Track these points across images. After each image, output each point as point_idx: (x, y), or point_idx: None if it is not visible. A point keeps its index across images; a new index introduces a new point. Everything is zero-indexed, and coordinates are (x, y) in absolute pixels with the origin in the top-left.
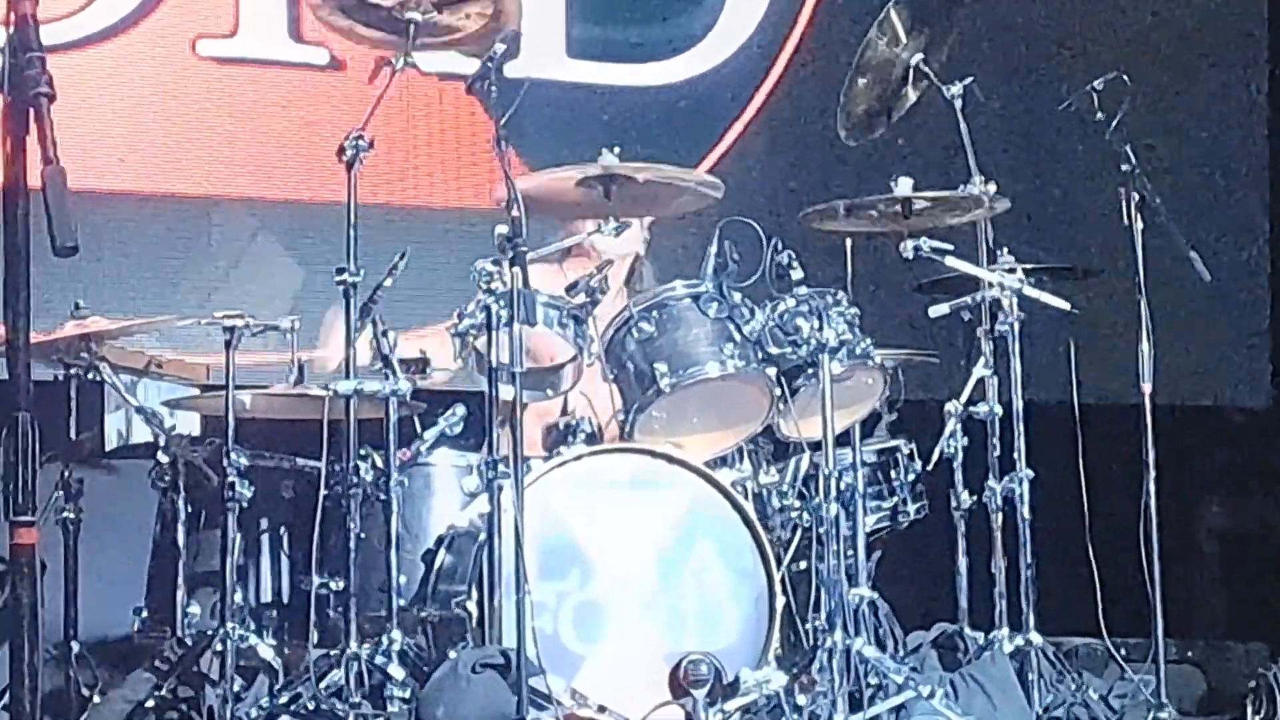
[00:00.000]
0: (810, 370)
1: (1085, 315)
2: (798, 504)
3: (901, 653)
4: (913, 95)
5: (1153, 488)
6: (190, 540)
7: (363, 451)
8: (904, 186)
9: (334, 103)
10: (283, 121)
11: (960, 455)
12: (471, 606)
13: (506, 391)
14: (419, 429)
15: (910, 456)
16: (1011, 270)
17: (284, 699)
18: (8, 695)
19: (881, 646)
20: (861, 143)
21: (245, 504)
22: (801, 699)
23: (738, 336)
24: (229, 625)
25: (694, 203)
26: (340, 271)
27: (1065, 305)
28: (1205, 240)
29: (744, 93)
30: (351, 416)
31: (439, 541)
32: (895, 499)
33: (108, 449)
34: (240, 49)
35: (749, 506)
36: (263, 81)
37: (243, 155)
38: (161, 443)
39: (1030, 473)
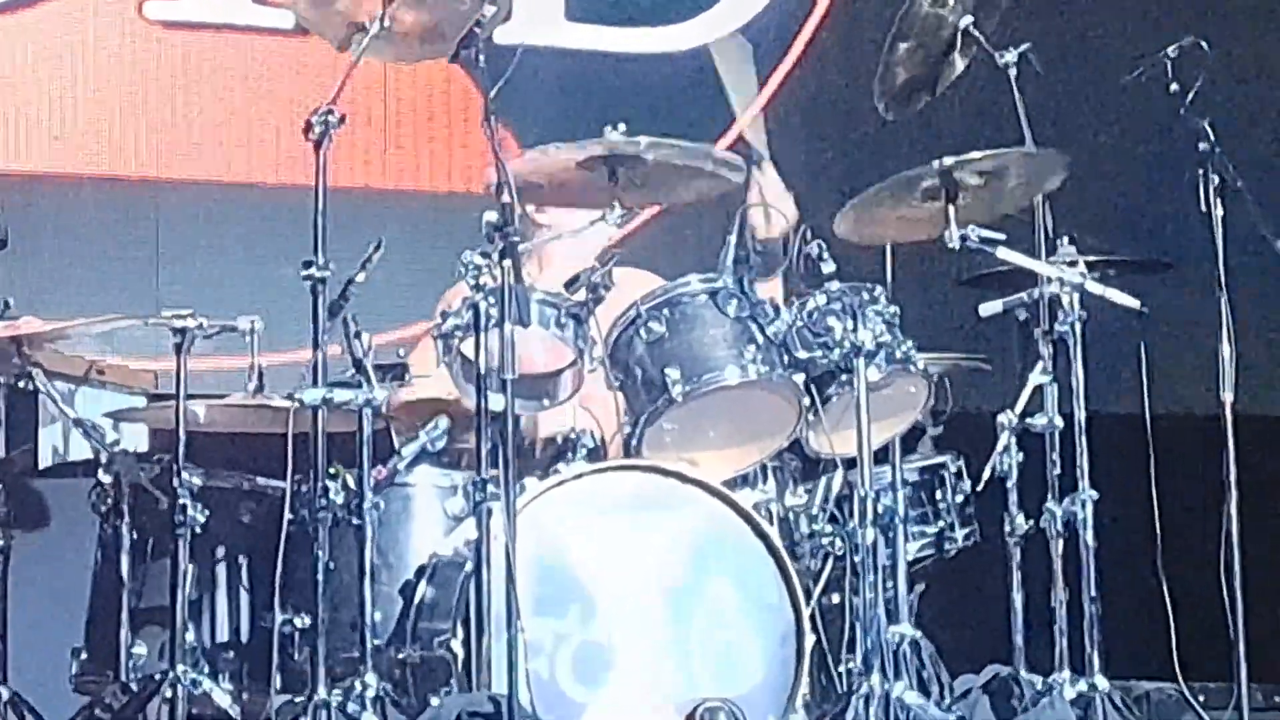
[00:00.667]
0: (843, 377)
1: (1158, 314)
2: (829, 529)
3: (948, 699)
4: (960, 64)
5: (1235, 511)
6: (136, 571)
7: (332, 470)
8: (944, 160)
9: (300, 73)
10: (242, 94)
11: (1015, 474)
12: (457, 647)
13: (497, 401)
14: (396, 444)
15: (958, 475)
16: (1073, 263)
17: None
18: None
19: (925, 692)
20: (900, 116)
21: (198, 530)
22: None
23: (760, 338)
24: (179, 668)
25: (712, 187)
26: (307, 265)
27: (1135, 303)
28: None
29: (768, 60)
30: (319, 430)
31: (419, 572)
32: (941, 523)
33: (41, 467)
34: (193, 11)
35: (773, 532)
36: (219, 48)
37: (196, 133)
38: (103, 460)
39: (1095, 493)
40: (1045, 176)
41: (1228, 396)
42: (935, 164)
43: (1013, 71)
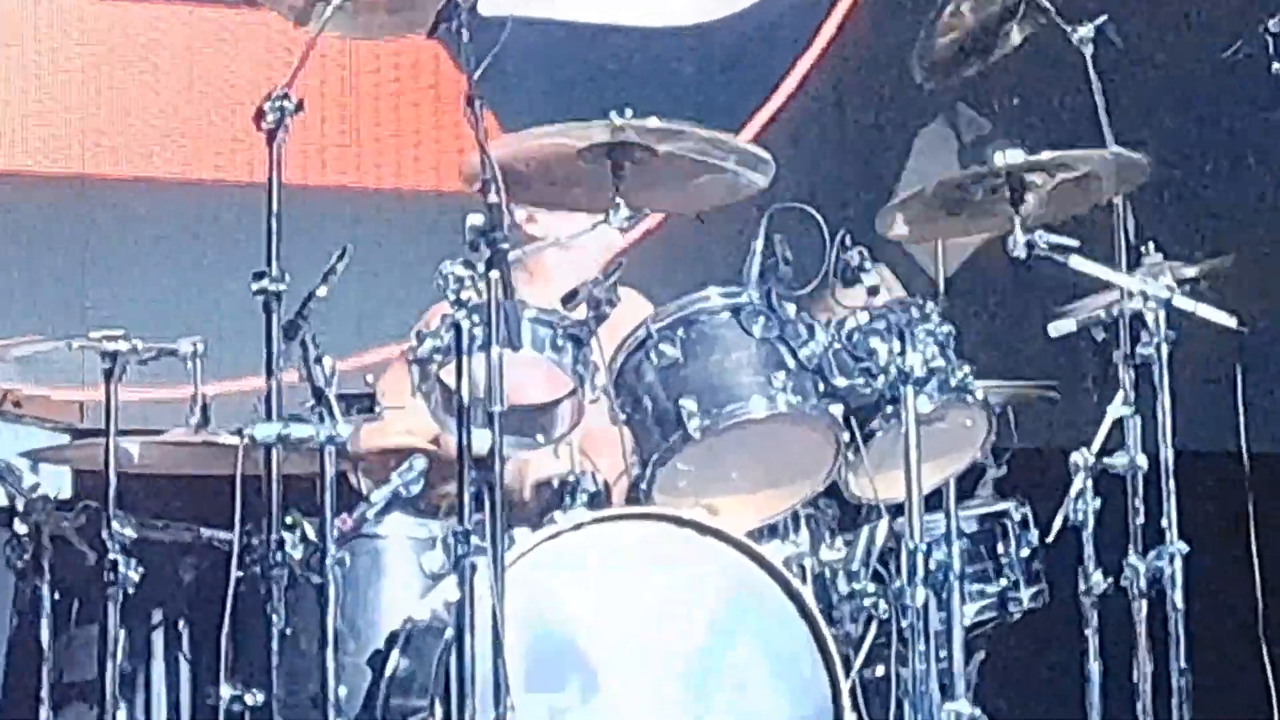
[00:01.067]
0: (889, 409)
1: (1258, 335)
2: (872, 589)
3: None
4: (1017, 35)
5: None
6: (58, 639)
7: (289, 519)
8: (1011, 158)
9: (251, 52)
10: (183, 77)
11: (1091, 523)
12: None
13: (482, 439)
14: (364, 489)
15: (1024, 524)
16: (1159, 274)
17: None
18: None
19: None
20: (940, 86)
21: (131, 590)
22: None
23: (792, 363)
24: None
25: (732, 188)
26: (259, 277)
27: (1231, 321)
28: None
29: (800, 36)
30: (274, 472)
31: (391, 640)
32: (1004, 582)
33: None
34: None
35: (807, 592)
36: (154, 23)
37: (128, 122)
38: (19, 508)
39: (1185, 546)
40: (1126, 177)
41: None
42: (999, 160)
43: (1088, 49)
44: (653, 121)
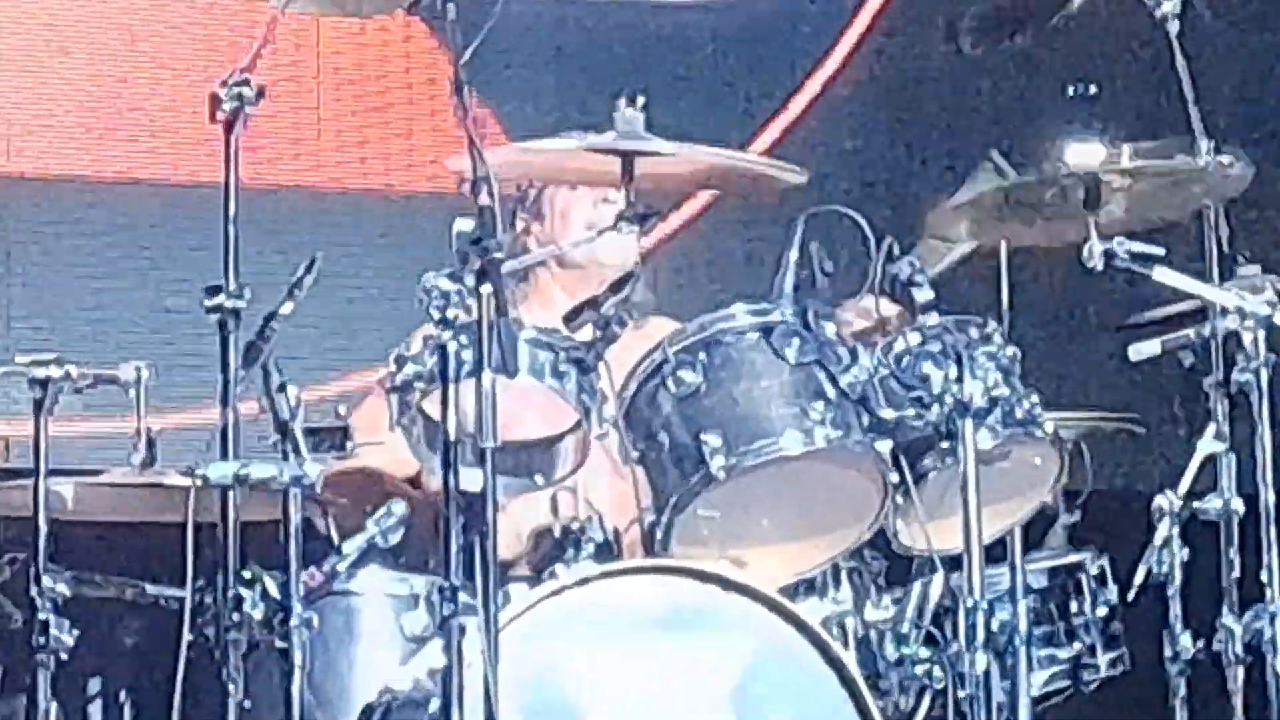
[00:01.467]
0: (944, 445)
1: None
2: (925, 654)
3: None
4: None
5: None
6: None
7: (248, 573)
8: (1084, 155)
9: (205, 30)
10: (126, 61)
11: (1179, 577)
12: None
13: (472, 479)
14: (335, 538)
15: (1100, 579)
16: (1257, 288)
17: None
18: None
19: None
20: (984, 48)
21: (65, 655)
22: None
23: (831, 392)
24: None
25: (761, 188)
26: (213, 292)
27: None
28: None
29: (837, 9)
30: (231, 519)
31: (366, 714)
32: (1077, 646)
33: None
34: None
35: (849, 658)
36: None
37: (60, 113)
38: None
39: None
40: (1223, 186)
41: None
42: (1070, 157)
43: (1173, 25)
44: (662, 144)
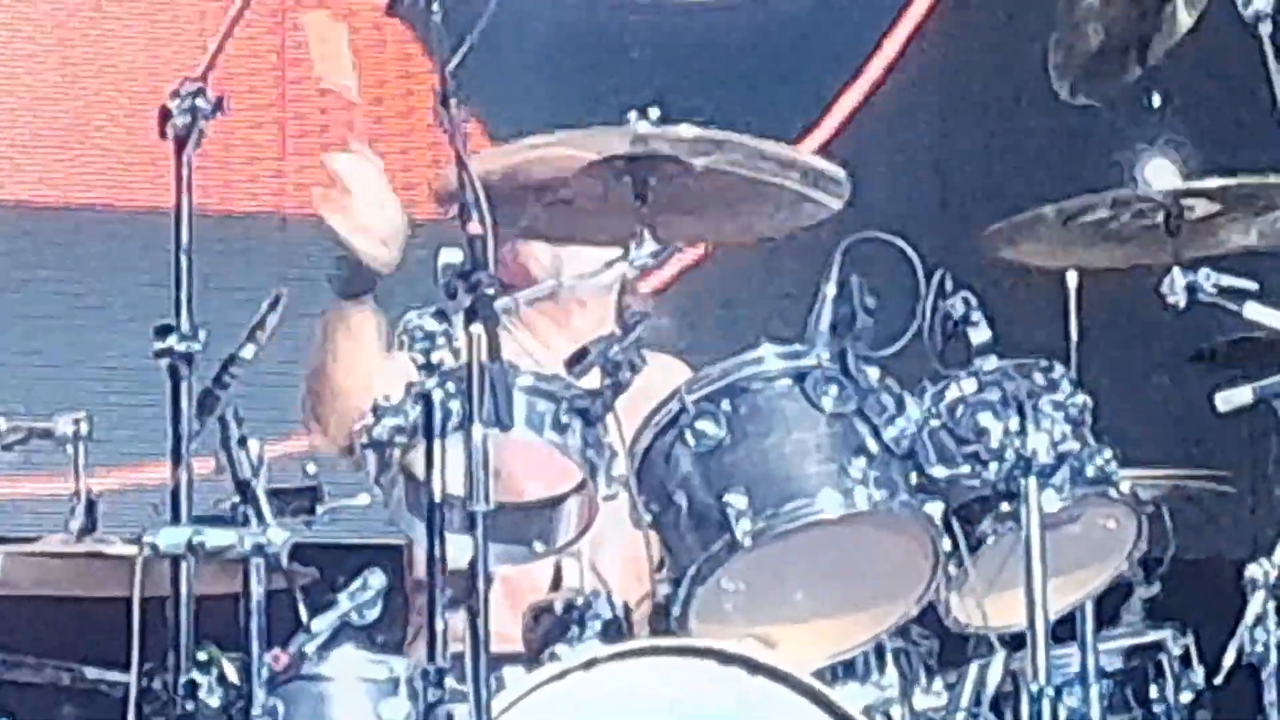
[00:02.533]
0: (1004, 507)
1: None
2: None
3: None
4: (1186, 17)
5: None
6: None
7: (203, 655)
8: (1162, 173)
9: (156, 35)
10: (63, 70)
11: (1275, 657)
12: None
13: (461, 548)
14: (304, 613)
15: (1184, 660)
16: None
17: None
18: None
19: None
20: (1096, 98)
21: None
22: None
23: (874, 446)
24: None
25: (793, 213)
26: (163, 333)
27: None
28: None
29: (882, 14)
30: (183, 592)
31: None
32: None
33: None
34: None
35: None
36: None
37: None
38: None
39: None
40: None
41: None
42: (1151, 178)
43: (1266, 28)
44: (687, 129)
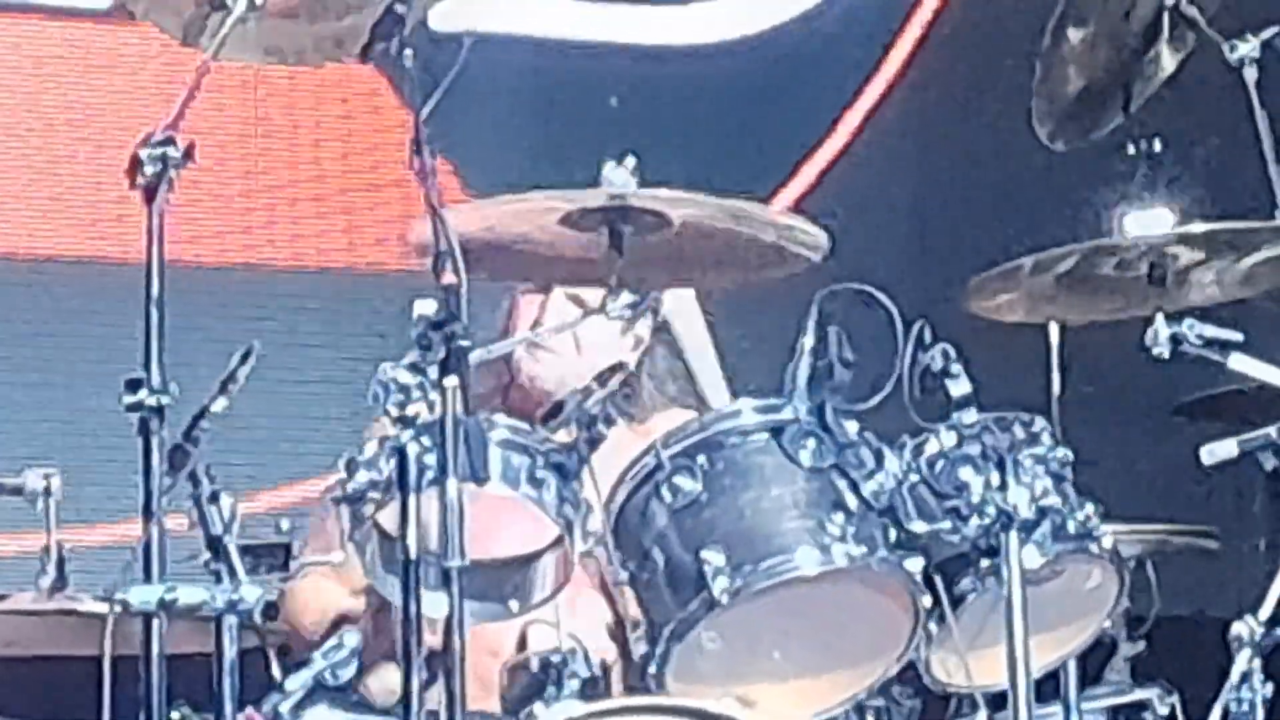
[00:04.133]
0: (985, 564)
1: None
2: None
3: None
4: (1169, 60)
5: None
6: None
7: (176, 715)
8: (1150, 221)
9: (122, 81)
10: (31, 122)
11: (1262, 716)
12: None
13: (436, 604)
14: (277, 672)
15: (1170, 719)
16: None
17: None
18: None
19: None
20: (1075, 143)
21: None
22: None
23: (853, 502)
24: None
25: (773, 262)
26: (133, 387)
27: None
28: None
29: (860, 63)
30: (155, 650)
31: None
32: None
33: None
34: None
35: None
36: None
37: None
38: None
39: None
40: None
41: None
42: (1131, 227)
43: (1251, 73)
44: (664, 192)
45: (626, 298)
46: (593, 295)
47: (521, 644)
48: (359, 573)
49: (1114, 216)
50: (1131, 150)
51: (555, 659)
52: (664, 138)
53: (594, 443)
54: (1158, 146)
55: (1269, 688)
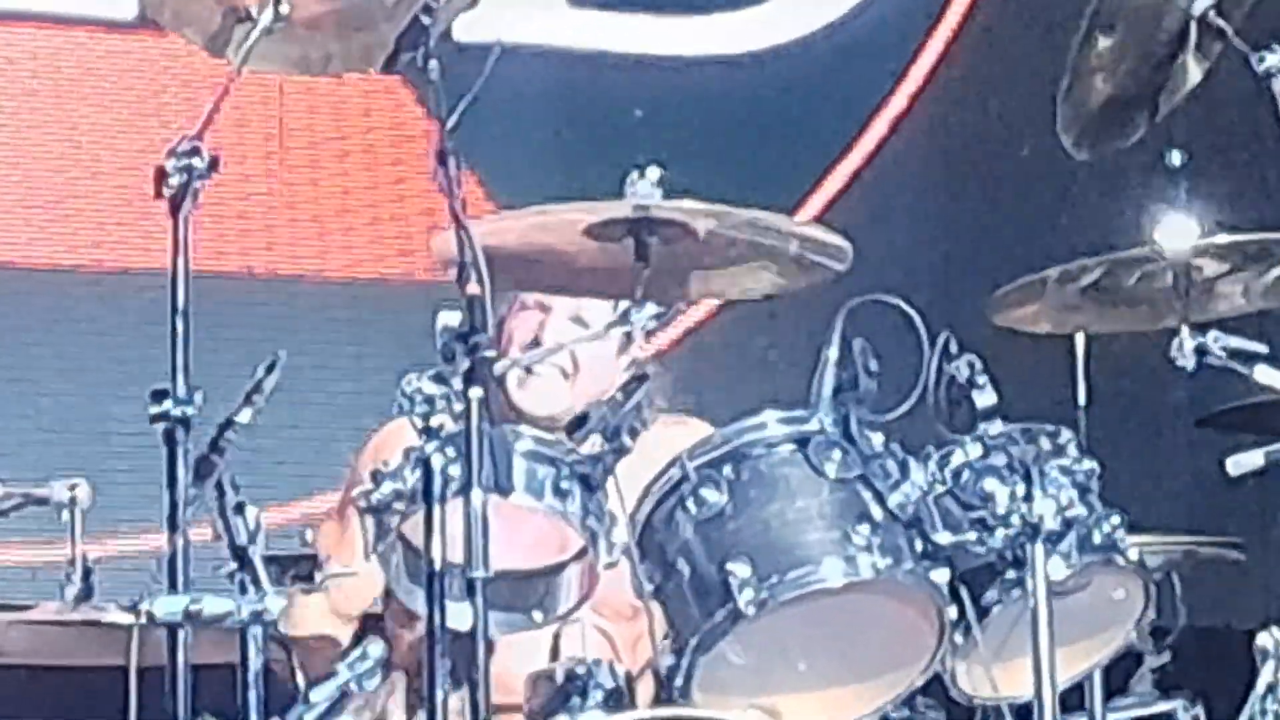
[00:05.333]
0: (1010, 575)
1: None
2: None
3: None
4: (1195, 70)
5: None
6: None
7: None
8: (1177, 232)
9: (146, 90)
10: (59, 128)
11: None
12: None
13: (461, 615)
14: (301, 681)
15: None
16: None
17: None
18: None
19: None
20: (1100, 154)
21: None
22: None
23: (878, 513)
24: None
25: (796, 277)
26: (159, 397)
27: None
28: None
29: (886, 72)
30: (180, 661)
31: None
32: None
33: None
34: None
35: None
36: (23, 51)
37: None
38: None
39: None
40: None
41: None
42: (1160, 239)
43: (1278, 84)
44: (688, 203)
45: (651, 309)
46: (596, 315)
47: (554, 653)
48: (343, 596)
49: (1140, 228)
50: (1161, 162)
51: (580, 670)
52: (689, 149)
53: (619, 453)
54: (1183, 158)
55: None
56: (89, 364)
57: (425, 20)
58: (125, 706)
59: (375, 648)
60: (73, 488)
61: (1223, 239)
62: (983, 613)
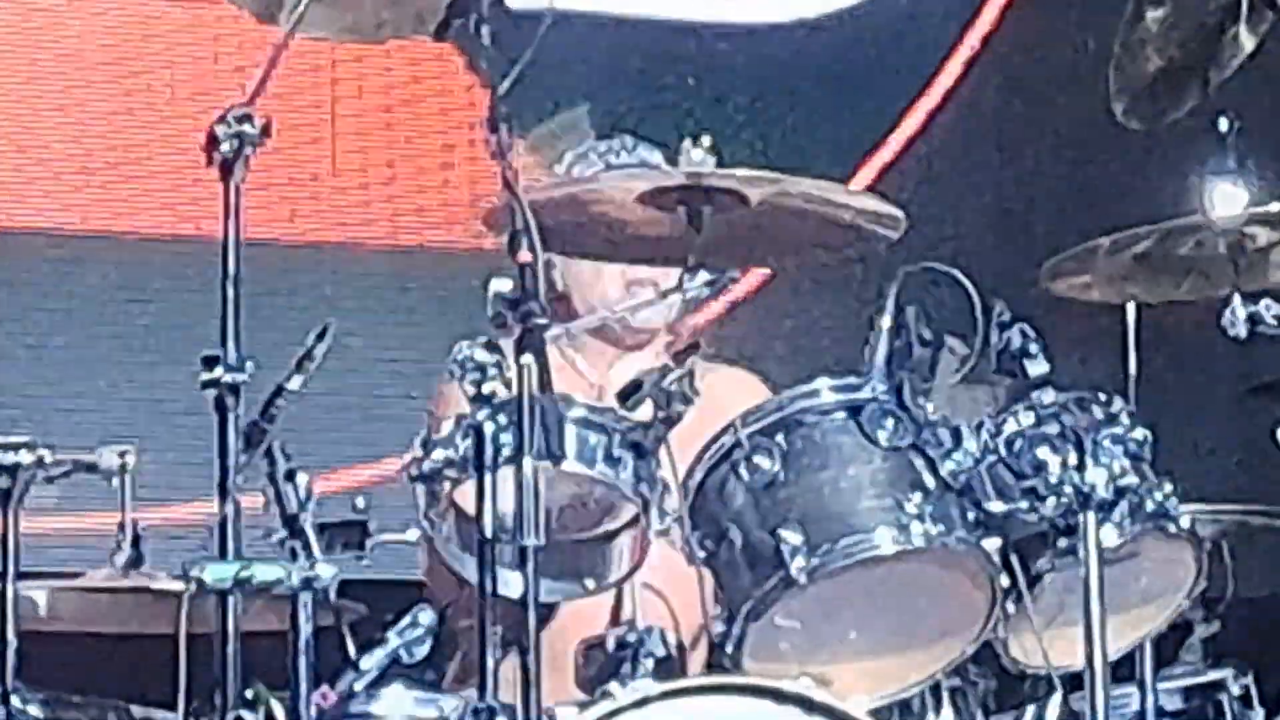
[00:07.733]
0: (1062, 543)
1: None
2: None
3: None
4: (1248, 39)
5: None
6: None
7: (251, 693)
8: (1230, 201)
9: (198, 57)
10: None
11: None
12: None
13: (511, 583)
14: (352, 650)
15: (1244, 701)
16: None
17: None
18: None
19: None
20: (1153, 125)
21: None
22: None
23: (931, 481)
24: None
25: (851, 244)
26: (209, 363)
27: None
28: None
29: (939, 40)
30: (230, 628)
31: None
32: None
33: None
34: None
35: None
36: (70, 21)
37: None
38: None
39: None
40: None
41: None
42: (1211, 207)
43: None
44: (741, 171)
45: (704, 276)
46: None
47: (615, 618)
48: None
49: (1193, 196)
50: (1214, 130)
51: (631, 638)
52: (742, 116)
53: (671, 421)
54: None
55: None
56: (140, 331)
57: None
58: (175, 674)
59: (425, 615)
60: (123, 454)
61: (1275, 207)
62: (1034, 581)
